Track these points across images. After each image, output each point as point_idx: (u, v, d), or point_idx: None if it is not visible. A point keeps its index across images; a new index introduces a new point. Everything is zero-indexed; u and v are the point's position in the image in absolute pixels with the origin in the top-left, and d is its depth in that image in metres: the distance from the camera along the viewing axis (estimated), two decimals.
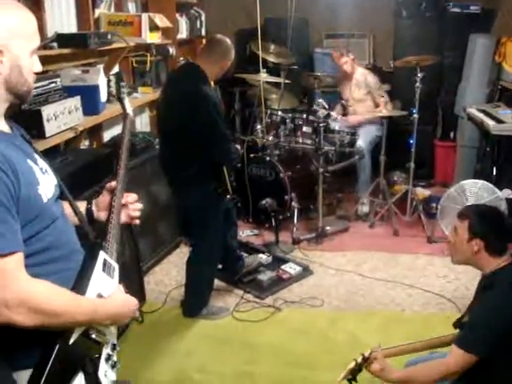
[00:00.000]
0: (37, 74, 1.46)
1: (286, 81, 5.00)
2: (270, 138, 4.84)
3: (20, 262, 1.28)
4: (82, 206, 1.78)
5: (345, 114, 5.34)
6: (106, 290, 1.49)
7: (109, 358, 1.54)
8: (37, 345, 1.34)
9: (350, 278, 4.09)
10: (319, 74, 5.00)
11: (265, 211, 4.68)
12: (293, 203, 4.65)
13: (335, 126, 4.80)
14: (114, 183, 1.76)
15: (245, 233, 4.83)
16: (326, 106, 4.71)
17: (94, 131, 4.08)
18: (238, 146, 4.38)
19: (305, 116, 4.77)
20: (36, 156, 1.50)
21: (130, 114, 1.97)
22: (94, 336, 1.44)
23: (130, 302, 1.56)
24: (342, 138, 4.80)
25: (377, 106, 5.17)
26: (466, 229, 2.13)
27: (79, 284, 1.43)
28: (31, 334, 1.29)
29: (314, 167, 4.66)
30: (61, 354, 1.33)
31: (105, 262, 1.53)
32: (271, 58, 5.02)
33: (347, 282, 4.03)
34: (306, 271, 4.14)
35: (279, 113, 4.88)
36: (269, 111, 4.87)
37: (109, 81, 3.97)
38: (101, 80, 3.68)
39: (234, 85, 5.36)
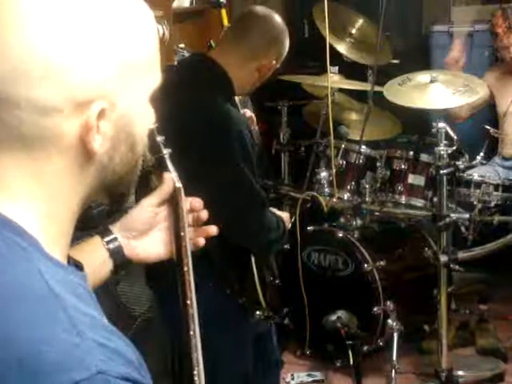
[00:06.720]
0: None
1: (378, 88, 3.84)
2: (346, 197, 3.89)
3: None
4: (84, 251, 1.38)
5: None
6: None
7: None
8: None
9: None
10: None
11: (335, 336, 3.64)
12: (389, 322, 3.63)
13: (474, 173, 3.73)
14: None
15: (297, 378, 3.79)
16: (454, 137, 3.49)
17: None
18: (285, 215, 3.15)
19: (412, 155, 3.79)
20: None
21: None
22: None
23: None
24: (485, 198, 3.69)
25: None
26: None
27: None
28: None
29: (429, 253, 3.65)
30: None
31: None
32: (347, 51, 4.09)
33: None
34: None
35: (363, 148, 3.88)
36: (343, 145, 3.87)
37: None
38: None
39: (280, 95, 4.17)
